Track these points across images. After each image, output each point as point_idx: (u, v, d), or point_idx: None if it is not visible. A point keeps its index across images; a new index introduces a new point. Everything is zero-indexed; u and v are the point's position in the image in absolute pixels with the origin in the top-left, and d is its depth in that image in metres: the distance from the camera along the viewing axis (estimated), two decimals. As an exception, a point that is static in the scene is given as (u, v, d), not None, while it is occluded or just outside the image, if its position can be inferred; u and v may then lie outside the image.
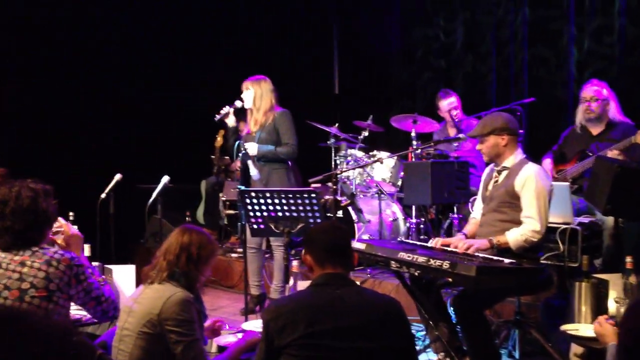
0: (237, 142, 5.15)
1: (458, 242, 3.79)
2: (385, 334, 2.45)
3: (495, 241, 3.68)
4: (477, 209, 4.17)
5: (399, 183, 6.01)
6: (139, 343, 2.76)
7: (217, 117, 5.20)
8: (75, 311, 3.47)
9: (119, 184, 5.33)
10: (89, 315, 3.44)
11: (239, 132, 5.39)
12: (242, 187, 4.45)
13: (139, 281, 3.80)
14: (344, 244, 2.69)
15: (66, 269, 2.70)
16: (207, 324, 3.34)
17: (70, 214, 4.71)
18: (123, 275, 3.74)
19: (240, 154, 5.02)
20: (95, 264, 3.86)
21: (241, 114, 5.34)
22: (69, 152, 7.34)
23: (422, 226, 5.73)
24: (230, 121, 5.25)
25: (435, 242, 3.88)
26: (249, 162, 5.17)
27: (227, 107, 5.19)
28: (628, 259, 3.20)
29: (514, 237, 3.67)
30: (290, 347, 2.39)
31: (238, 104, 5.20)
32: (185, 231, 2.95)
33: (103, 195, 5.23)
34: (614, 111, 4.88)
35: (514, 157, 3.87)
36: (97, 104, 7.55)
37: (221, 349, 3.41)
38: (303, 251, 2.73)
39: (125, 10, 7.77)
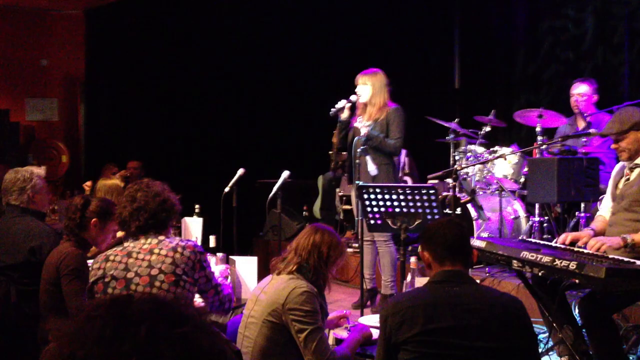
0: (356, 138, 5.12)
1: (588, 239, 3.60)
2: (506, 333, 2.39)
3: (630, 239, 3.47)
4: (604, 207, 3.97)
5: (522, 180, 5.81)
6: (263, 331, 2.86)
7: (333, 110, 5.15)
8: (199, 299, 3.63)
9: (242, 178, 5.49)
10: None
11: (350, 126, 5.33)
12: (361, 183, 4.46)
13: (261, 272, 3.93)
14: (463, 240, 2.64)
15: (191, 254, 2.83)
16: (333, 315, 3.40)
17: (197, 206, 4.93)
18: (246, 266, 3.86)
19: (359, 150, 4.99)
20: (219, 254, 4.03)
21: (354, 107, 5.29)
22: (196, 147, 7.68)
23: (545, 225, 5.49)
24: (344, 115, 5.19)
25: (564, 238, 3.68)
26: (367, 158, 5.15)
27: (343, 101, 5.15)
28: None
29: None
30: (408, 343, 2.39)
31: (353, 98, 5.14)
32: (317, 230, 3.05)
33: (227, 189, 5.40)
34: None
35: (648, 153, 3.64)
36: (222, 104, 7.85)
37: (338, 341, 3.46)
38: (420, 247, 2.71)
39: (245, 11, 8.01)
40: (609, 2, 6.76)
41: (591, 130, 4.21)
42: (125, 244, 2.87)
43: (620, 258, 3.34)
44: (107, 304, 1.05)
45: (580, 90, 5.68)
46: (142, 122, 8.39)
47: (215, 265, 3.77)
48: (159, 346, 0.98)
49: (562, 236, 3.72)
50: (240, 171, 5.47)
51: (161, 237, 2.85)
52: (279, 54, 8.21)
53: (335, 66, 7.87)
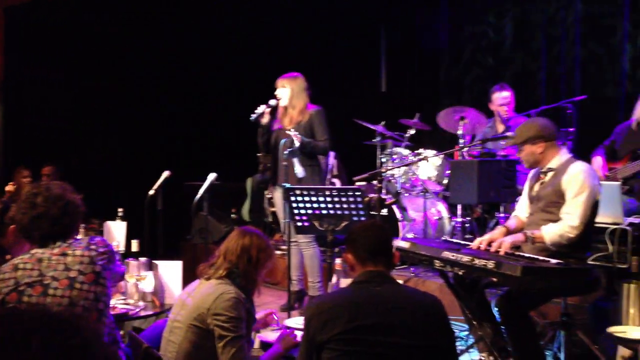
0: (283, 141, 5.15)
1: (501, 236, 3.78)
2: (427, 331, 2.45)
3: (530, 234, 3.63)
4: (520, 207, 4.14)
5: (445, 182, 5.96)
6: (188, 336, 2.83)
7: (253, 116, 5.20)
8: (122, 305, 3.57)
9: (168, 181, 5.41)
10: (135, 310, 3.53)
11: (271, 129, 5.36)
12: (288, 185, 4.48)
13: (186, 277, 3.88)
14: (385, 243, 2.69)
15: (104, 248, 2.78)
16: (259, 315, 3.39)
17: (120, 210, 4.82)
18: (169, 271, 3.81)
19: (285, 153, 5.02)
20: (142, 259, 3.96)
21: (275, 111, 5.34)
22: (119, 150, 7.51)
23: (467, 225, 5.66)
24: (265, 120, 5.24)
25: (479, 242, 3.76)
26: (295, 160, 5.18)
27: (263, 106, 5.20)
28: (680, 261, 3.10)
29: (549, 232, 3.62)
30: (332, 342, 2.41)
31: (273, 102, 5.20)
32: (245, 233, 3.03)
33: (151, 192, 5.31)
34: None
35: (559, 157, 3.81)
36: (146, 103, 7.70)
37: (264, 345, 3.45)
38: (345, 250, 2.76)
39: (170, 10, 7.90)
40: (527, 9, 7.02)
41: (508, 134, 4.36)
42: (32, 251, 2.76)
43: (536, 257, 3.48)
44: None
45: (505, 96, 5.89)
46: (63, 123, 8.15)
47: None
48: (51, 358, 0.96)
49: (477, 241, 3.82)
50: (166, 173, 5.40)
51: (69, 240, 2.78)
52: (206, 55, 8.14)
53: (261, 68, 7.85)
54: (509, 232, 3.92)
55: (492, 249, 3.57)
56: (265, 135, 5.32)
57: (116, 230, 4.59)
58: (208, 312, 2.81)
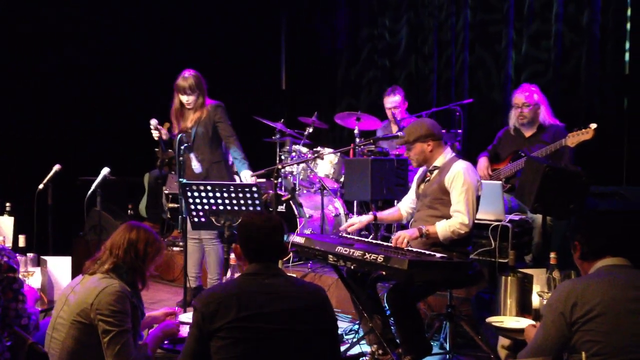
0: (179, 135, 5.11)
1: (367, 221, 4.23)
2: (313, 317, 2.56)
3: (425, 230, 3.84)
4: (404, 201, 4.39)
5: (342, 179, 6.11)
6: (72, 332, 2.77)
7: (156, 135, 5.21)
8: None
9: (58, 175, 5.26)
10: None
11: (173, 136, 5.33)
12: (184, 180, 4.46)
13: (75, 273, 3.79)
14: (278, 241, 2.74)
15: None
16: (159, 311, 3.37)
17: (7, 204, 4.65)
18: (58, 267, 3.73)
19: (182, 147, 4.99)
20: (30, 255, 3.84)
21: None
22: (7, 141, 7.18)
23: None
24: (164, 135, 5.28)
25: (345, 226, 4.26)
26: (192, 155, 5.18)
27: (155, 132, 5.20)
28: (552, 255, 3.34)
29: (442, 227, 3.83)
30: (222, 330, 2.46)
31: (153, 122, 5.21)
32: (132, 228, 2.99)
33: (41, 186, 5.15)
34: (544, 114, 5.07)
35: (444, 156, 4.04)
36: (37, 93, 7.41)
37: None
38: (236, 241, 2.82)
39: (66, 3, 7.65)
40: (420, 14, 7.28)
41: (399, 133, 4.54)
42: None
43: (423, 251, 3.66)
44: None
45: (395, 100, 6.12)
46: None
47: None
48: None
49: (344, 225, 4.30)
50: (56, 167, 5.26)
51: None
52: (103, 48, 7.92)
53: (161, 62, 7.74)
54: (376, 218, 4.29)
55: (393, 243, 3.76)
56: (167, 146, 5.33)
57: (3, 226, 4.43)
58: (91, 307, 2.76)
